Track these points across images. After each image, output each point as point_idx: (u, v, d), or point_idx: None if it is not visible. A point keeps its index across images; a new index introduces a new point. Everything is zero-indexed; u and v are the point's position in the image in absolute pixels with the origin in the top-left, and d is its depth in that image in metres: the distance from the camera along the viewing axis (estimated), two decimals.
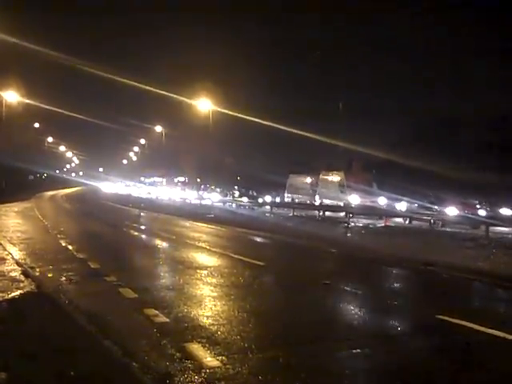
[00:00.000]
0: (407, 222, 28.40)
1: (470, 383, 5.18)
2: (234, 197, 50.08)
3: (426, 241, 18.80)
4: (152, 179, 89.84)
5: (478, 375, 5.35)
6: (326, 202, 39.08)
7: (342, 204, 35.64)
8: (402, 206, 31.36)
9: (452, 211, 26.92)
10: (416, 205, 32.44)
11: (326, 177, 41.76)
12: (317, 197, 42.11)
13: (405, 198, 32.21)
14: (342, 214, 32.45)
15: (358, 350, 5.97)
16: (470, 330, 6.81)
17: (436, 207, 29.55)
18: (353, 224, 26.99)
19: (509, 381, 5.31)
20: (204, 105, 50.21)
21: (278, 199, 47.92)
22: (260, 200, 44.71)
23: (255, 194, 51.52)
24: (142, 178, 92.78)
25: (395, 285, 11.19)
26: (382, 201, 34.44)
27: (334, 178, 40.24)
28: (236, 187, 56.18)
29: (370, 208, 32.68)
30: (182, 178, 79.39)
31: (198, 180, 70.32)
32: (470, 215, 26.45)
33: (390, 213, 30.49)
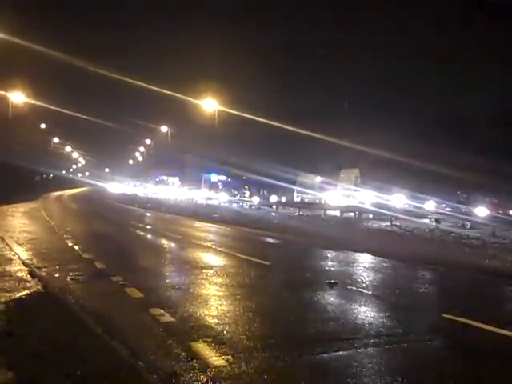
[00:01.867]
0: (434, 223, 25.30)
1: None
2: (244, 196, 49.87)
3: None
4: (158, 179, 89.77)
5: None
6: (342, 199, 37.19)
7: (356, 202, 34.16)
8: (429, 205, 28.47)
9: (482, 211, 24.52)
10: (444, 205, 30.43)
11: (345, 174, 41.29)
12: (329, 195, 40.54)
13: (432, 198, 29.51)
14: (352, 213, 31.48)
15: (363, 349, 5.97)
16: None
17: (463, 207, 27.86)
18: (366, 224, 26.89)
19: None
20: (210, 105, 50.27)
21: (284, 199, 47.80)
22: (272, 200, 44.55)
23: (266, 193, 51.42)
24: (148, 178, 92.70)
25: (409, 285, 11.14)
26: (399, 200, 31.92)
27: (350, 175, 39.78)
28: (246, 187, 56.06)
29: (384, 207, 30.14)
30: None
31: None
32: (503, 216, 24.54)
33: (408, 213, 28.10)
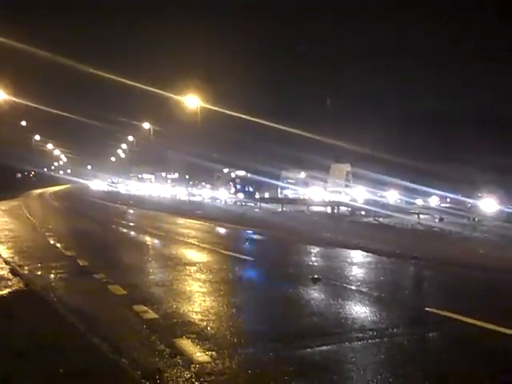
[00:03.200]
0: (437, 220, 24.45)
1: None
2: (229, 193, 49.62)
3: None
4: (141, 176, 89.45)
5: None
6: (332, 195, 36.18)
7: (347, 198, 33.28)
8: (433, 201, 28.57)
9: (489, 206, 24.02)
10: (448, 199, 29.77)
11: (334, 170, 39.37)
12: (313, 190, 40.12)
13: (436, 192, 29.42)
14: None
15: (347, 344, 6.00)
16: None
17: (470, 201, 26.76)
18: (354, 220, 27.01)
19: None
20: (192, 101, 50.11)
21: (267, 195, 47.85)
22: (256, 196, 44.55)
23: (251, 189, 51.37)
24: (131, 175, 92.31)
25: (385, 277, 11.20)
26: (392, 195, 31.66)
27: (341, 170, 38.04)
28: (231, 183, 55.68)
29: (377, 204, 29.22)
30: (173, 176, 78.31)
31: (187, 177, 70.27)
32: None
33: (403, 209, 27.26)
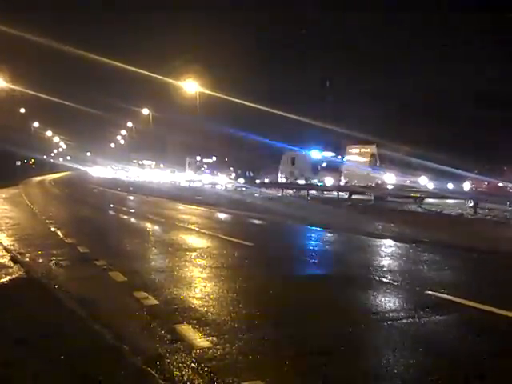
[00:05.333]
0: (470, 206, 22.76)
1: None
2: (230, 178, 49.47)
3: None
4: (141, 162, 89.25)
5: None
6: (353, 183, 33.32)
7: (372, 185, 30.65)
8: (466, 186, 26.58)
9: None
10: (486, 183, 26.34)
11: (353, 153, 35.11)
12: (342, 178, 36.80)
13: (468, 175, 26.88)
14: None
15: (349, 328, 6.00)
16: None
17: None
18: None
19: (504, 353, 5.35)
20: (191, 86, 50.05)
21: (266, 180, 47.74)
22: (257, 181, 44.36)
23: (252, 174, 51.28)
24: (133, 161, 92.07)
25: (383, 261, 11.20)
26: (423, 180, 29.43)
27: (363, 153, 33.91)
28: (232, 168, 55.49)
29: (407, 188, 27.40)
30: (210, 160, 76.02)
31: (188, 162, 70.00)
32: None
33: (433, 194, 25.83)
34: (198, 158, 62.45)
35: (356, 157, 34.21)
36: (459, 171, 27.55)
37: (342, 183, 34.15)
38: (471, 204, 22.73)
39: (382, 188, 29.20)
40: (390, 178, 30.24)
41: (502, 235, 14.95)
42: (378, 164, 31.82)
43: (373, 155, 32.40)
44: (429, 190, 26.85)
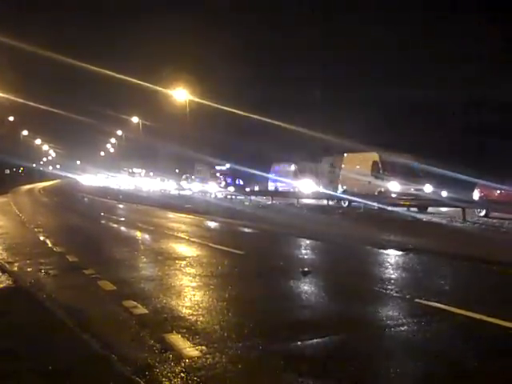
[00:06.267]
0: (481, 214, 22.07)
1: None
2: (219, 186, 49.17)
3: None
4: (131, 170, 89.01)
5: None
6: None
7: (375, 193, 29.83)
8: (475, 194, 24.98)
9: None
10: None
11: (352, 160, 33.78)
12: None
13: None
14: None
15: (337, 337, 6.00)
16: None
17: None
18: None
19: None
20: (181, 95, 50.12)
21: (256, 188, 47.71)
22: (247, 189, 44.26)
23: (242, 183, 51.13)
24: (124, 169, 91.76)
25: (377, 269, 11.21)
26: (427, 188, 28.27)
27: (364, 161, 32.39)
28: (221, 177, 55.05)
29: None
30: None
31: (177, 171, 69.99)
32: None
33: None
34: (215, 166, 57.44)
35: (355, 164, 32.82)
36: (466, 178, 26.56)
37: (339, 191, 33.49)
38: (482, 213, 22.11)
39: (386, 196, 28.32)
40: (394, 186, 29.04)
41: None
42: (381, 172, 30.40)
43: (375, 162, 31.49)
44: (436, 199, 26.19)
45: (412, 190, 28.13)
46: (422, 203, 26.20)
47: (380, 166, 30.51)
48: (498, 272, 10.15)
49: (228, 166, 57.24)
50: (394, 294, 8.04)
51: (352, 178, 32.22)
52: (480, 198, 23.97)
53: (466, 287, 9.10)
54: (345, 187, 32.52)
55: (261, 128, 51.77)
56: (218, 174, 54.86)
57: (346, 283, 9.07)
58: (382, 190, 29.39)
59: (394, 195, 27.91)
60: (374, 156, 31.30)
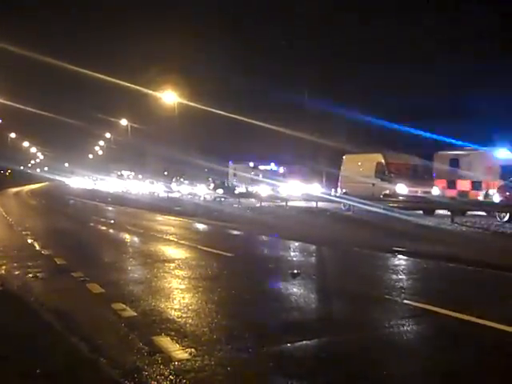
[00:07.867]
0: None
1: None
2: (208, 189, 48.97)
3: None
4: (120, 173, 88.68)
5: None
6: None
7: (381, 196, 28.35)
8: (495, 197, 23.77)
9: None
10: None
11: (353, 161, 32.32)
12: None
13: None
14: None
15: (327, 339, 6.00)
16: None
17: None
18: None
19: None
20: (169, 97, 50.07)
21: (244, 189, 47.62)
22: (236, 191, 44.19)
23: (231, 185, 50.97)
24: (114, 171, 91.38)
25: (370, 272, 11.23)
26: (435, 191, 27.56)
27: (368, 162, 31.08)
28: (210, 179, 54.88)
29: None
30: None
31: (166, 173, 69.88)
32: None
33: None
34: (251, 163, 51.17)
35: (357, 166, 31.40)
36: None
37: (338, 193, 32.70)
38: (506, 218, 20.56)
39: (392, 199, 27.69)
40: (401, 189, 27.87)
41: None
42: (386, 173, 29.20)
43: (379, 164, 29.68)
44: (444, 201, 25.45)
45: (419, 193, 27.24)
46: (432, 206, 25.21)
47: (385, 167, 29.37)
48: None
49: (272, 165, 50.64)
50: (386, 297, 8.06)
51: (353, 180, 30.99)
52: (501, 201, 22.06)
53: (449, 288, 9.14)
54: (344, 190, 31.69)
55: (249, 129, 51.71)
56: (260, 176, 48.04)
57: (336, 285, 9.10)
58: (388, 192, 28.12)
59: (401, 198, 26.87)
60: (379, 157, 30.06)
